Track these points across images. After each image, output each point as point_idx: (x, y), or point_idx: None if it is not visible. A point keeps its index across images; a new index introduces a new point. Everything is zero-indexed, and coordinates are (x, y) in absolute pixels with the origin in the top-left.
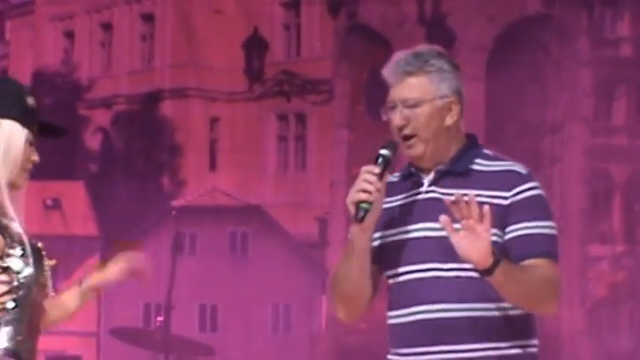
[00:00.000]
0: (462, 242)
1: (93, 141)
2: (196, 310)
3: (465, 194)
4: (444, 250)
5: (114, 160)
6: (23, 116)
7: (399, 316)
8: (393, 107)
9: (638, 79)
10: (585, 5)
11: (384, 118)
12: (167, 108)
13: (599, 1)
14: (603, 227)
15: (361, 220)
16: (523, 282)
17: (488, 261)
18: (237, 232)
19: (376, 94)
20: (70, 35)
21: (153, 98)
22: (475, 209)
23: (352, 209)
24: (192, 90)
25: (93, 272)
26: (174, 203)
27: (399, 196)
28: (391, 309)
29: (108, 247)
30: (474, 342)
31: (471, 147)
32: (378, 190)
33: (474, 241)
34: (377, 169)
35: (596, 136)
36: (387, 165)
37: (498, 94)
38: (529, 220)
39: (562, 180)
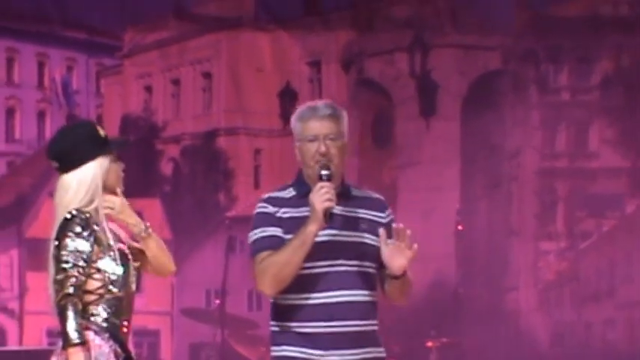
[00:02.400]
0: (390, 254)
1: (166, 168)
2: (245, 295)
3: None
4: (347, 250)
5: (182, 182)
6: (103, 149)
7: (315, 298)
8: (313, 140)
9: (574, 117)
10: (533, 62)
11: (300, 145)
12: (222, 142)
13: (544, 58)
14: (550, 228)
15: (329, 221)
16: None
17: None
18: None
19: (379, 131)
20: (149, 89)
21: (211, 135)
22: (408, 237)
23: (322, 214)
24: (241, 129)
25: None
26: (228, 214)
27: (304, 208)
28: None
29: (179, 247)
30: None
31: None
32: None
33: (399, 257)
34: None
35: (544, 160)
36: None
37: (470, 129)
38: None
39: (519, 193)
